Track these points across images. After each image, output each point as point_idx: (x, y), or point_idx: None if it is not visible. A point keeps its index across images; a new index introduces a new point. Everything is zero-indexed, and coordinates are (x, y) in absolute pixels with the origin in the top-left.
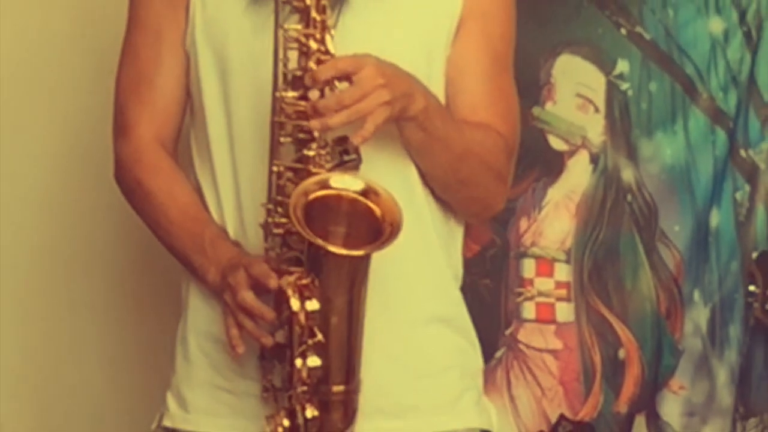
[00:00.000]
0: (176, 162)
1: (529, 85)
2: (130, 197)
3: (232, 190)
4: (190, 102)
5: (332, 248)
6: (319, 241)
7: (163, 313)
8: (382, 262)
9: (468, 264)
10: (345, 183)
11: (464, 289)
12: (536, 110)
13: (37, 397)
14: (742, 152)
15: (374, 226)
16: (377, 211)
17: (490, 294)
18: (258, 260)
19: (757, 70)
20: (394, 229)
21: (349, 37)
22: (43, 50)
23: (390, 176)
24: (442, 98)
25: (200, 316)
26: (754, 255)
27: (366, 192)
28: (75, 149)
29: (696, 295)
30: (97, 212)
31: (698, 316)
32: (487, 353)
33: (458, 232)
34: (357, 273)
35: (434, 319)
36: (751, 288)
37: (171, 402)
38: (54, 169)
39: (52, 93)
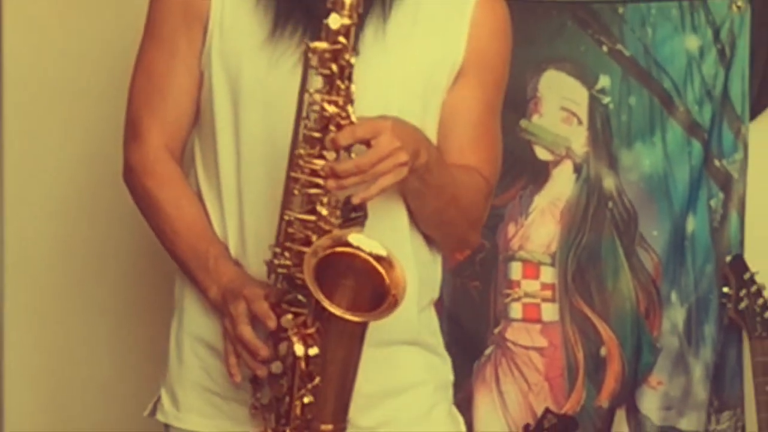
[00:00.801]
0: (181, 164)
1: (517, 99)
2: (138, 202)
3: (236, 211)
4: (198, 115)
5: (335, 311)
6: (326, 303)
7: (166, 313)
8: None
9: (459, 267)
10: (364, 244)
11: (456, 292)
12: (524, 122)
13: (52, 388)
14: (717, 162)
15: (379, 290)
16: (387, 279)
17: (479, 295)
18: (259, 295)
19: (731, 85)
20: (396, 302)
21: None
22: (59, 65)
23: (378, 212)
24: (434, 139)
25: (196, 321)
26: (728, 259)
27: (382, 259)
28: (89, 164)
29: (673, 296)
30: (108, 224)
31: (675, 315)
32: (477, 351)
33: (438, 257)
34: (355, 332)
35: (408, 342)
36: (725, 290)
37: (165, 398)
38: (69, 183)
39: (69, 111)
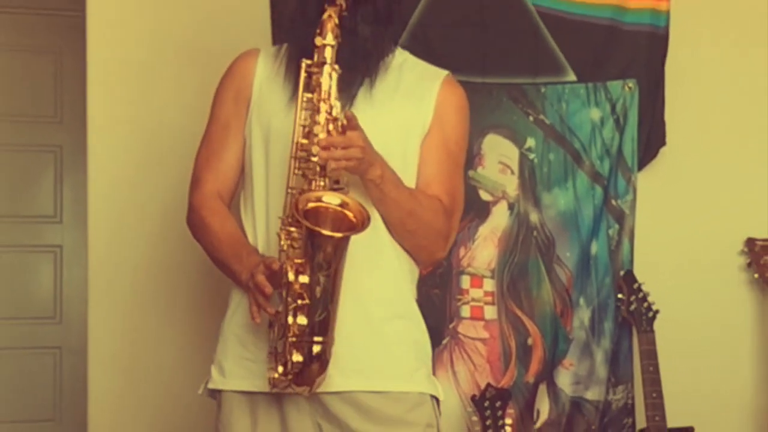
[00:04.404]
0: (229, 209)
1: (466, 155)
2: (195, 231)
3: (264, 221)
4: (243, 171)
5: (322, 231)
6: (314, 227)
7: (214, 313)
8: (363, 281)
9: (423, 279)
10: (330, 199)
11: (421, 297)
12: (471, 173)
13: (128, 369)
14: (613, 202)
15: (350, 226)
16: (350, 215)
17: (438, 300)
18: (273, 257)
19: (624, 145)
20: (365, 224)
21: None
22: (141, 131)
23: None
24: (413, 178)
25: (236, 311)
26: (622, 273)
27: (342, 204)
28: (165, 206)
29: (581, 300)
30: (174, 247)
31: (583, 315)
32: (437, 341)
33: (415, 267)
34: (336, 255)
35: (397, 316)
36: (620, 296)
37: (213, 371)
38: (147, 218)
39: (148, 159)
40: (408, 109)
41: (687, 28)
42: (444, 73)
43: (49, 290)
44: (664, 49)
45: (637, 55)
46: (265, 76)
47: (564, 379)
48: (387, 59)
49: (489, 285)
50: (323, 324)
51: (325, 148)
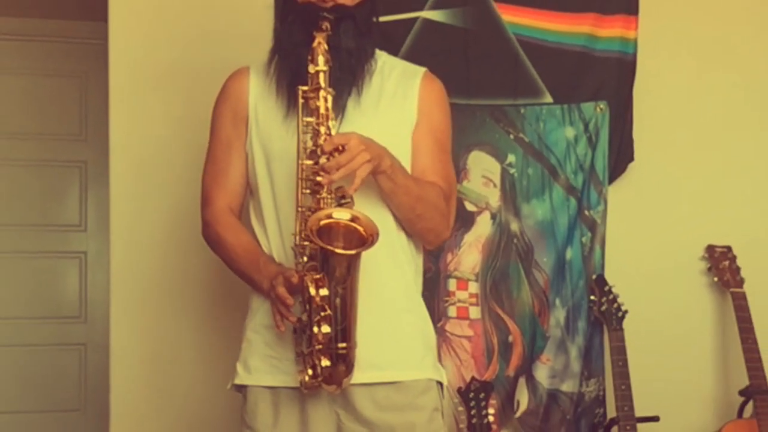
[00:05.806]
0: (240, 220)
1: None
2: (212, 245)
3: (278, 234)
4: (249, 184)
5: (336, 250)
6: (327, 246)
7: (233, 315)
8: (376, 279)
9: None
10: (340, 215)
11: None
12: (457, 186)
13: (147, 364)
14: (586, 212)
15: (361, 239)
16: (361, 230)
17: (427, 301)
18: (291, 269)
19: (596, 161)
20: (374, 238)
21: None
22: (159, 163)
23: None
24: (408, 168)
25: (258, 313)
26: (594, 277)
27: (353, 219)
28: (180, 215)
29: (557, 301)
30: (193, 253)
31: (558, 315)
32: None
33: (420, 260)
34: (351, 268)
35: (405, 310)
36: (592, 297)
37: (239, 368)
38: (163, 227)
39: (168, 181)
40: (394, 111)
41: (653, 55)
42: (422, 70)
43: (74, 292)
44: (632, 74)
45: (607, 79)
46: (258, 94)
47: (541, 373)
48: (370, 65)
49: (473, 287)
50: (345, 330)
51: (334, 169)
